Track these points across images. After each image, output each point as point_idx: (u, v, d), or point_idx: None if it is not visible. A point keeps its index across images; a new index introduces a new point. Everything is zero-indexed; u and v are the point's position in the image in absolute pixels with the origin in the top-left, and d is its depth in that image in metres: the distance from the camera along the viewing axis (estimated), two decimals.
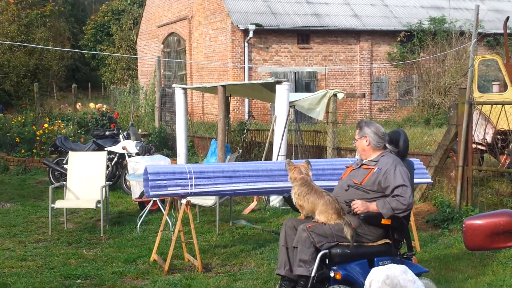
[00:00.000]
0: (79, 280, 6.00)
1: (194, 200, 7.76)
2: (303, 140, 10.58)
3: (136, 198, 9.24)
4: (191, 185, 6.32)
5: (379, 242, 4.78)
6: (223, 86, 10.44)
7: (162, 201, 8.45)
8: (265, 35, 21.57)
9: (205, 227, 8.31)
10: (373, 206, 4.68)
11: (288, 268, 4.75)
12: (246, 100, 21.24)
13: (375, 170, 4.80)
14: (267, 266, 6.41)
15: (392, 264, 4.16)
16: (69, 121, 15.73)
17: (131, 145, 11.14)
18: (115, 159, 11.28)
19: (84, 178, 8.56)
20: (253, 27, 20.67)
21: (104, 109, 16.42)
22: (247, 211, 9.35)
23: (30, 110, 16.15)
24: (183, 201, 6.36)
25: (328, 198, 4.69)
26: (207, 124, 19.03)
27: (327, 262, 4.61)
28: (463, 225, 3.44)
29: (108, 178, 9.96)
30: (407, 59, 21.93)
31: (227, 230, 8.16)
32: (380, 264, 4.67)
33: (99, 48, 36.96)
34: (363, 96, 20.17)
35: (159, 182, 6.19)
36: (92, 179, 8.51)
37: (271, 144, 10.06)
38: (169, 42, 26.68)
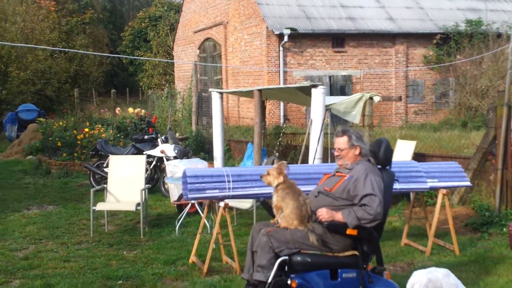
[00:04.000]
0: (120, 281, 6.14)
1: (232, 203, 7.87)
2: None
3: (174, 201, 9.41)
4: (229, 188, 6.41)
5: (346, 253, 4.56)
6: (259, 90, 10.53)
7: (200, 204, 8.58)
8: (299, 39, 21.59)
9: (242, 229, 8.40)
10: (338, 215, 4.49)
11: (251, 273, 4.61)
12: (282, 103, 21.29)
13: (346, 178, 4.67)
14: None
15: (434, 268, 4.04)
16: (109, 125, 16.04)
17: (169, 149, 11.32)
18: (154, 163, 11.48)
19: (124, 181, 8.75)
20: (288, 31, 20.71)
21: (142, 113, 16.70)
22: None
23: (71, 115, 16.52)
24: (221, 203, 6.45)
25: (299, 203, 4.54)
26: (242, 127, 19.16)
27: (286, 269, 4.45)
28: (510, 228, 3.42)
29: (147, 181, 10.15)
30: (443, 62, 21.68)
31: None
32: (343, 276, 4.47)
33: (137, 54, 37.52)
34: (400, 99, 19.99)
35: (197, 185, 6.29)
36: (131, 182, 8.69)
37: (307, 147, 10.09)
38: (205, 47, 26.94)
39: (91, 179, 11.82)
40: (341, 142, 4.81)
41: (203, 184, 6.36)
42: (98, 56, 27.06)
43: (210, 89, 12.48)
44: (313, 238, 4.41)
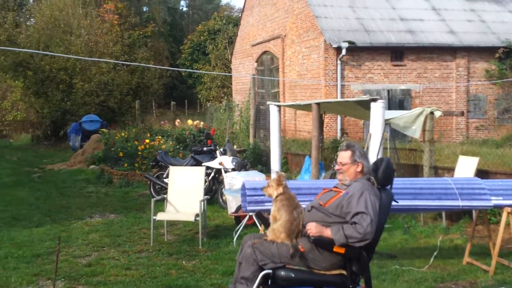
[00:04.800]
0: None
1: None
2: (399, 158, 10.47)
3: (232, 213, 9.51)
4: None
5: (333, 272, 4.39)
6: (318, 103, 10.56)
7: (258, 216, 8.62)
8: (358, 52, 21.47)
9: None
10: (327, 231, 4.34)
11: (236, 284, 4.56)
12: (339, 117, 21.19)
13: (342, 194, 4.53)
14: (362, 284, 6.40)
15: None
16: (169, 137, 16.36)
17: (227, 161, 11.45)
18: (212, 174, 11.63)
19: (183, 192, 8.89)
20: (346, 44, 20.63)
21: (201, 125, 16.96)
22: None
23: (132, 126, 16.94)
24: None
25: (292, 217, 4.42)
26: (299, 141, 19.17)
27: (269, 283, 4.37)
28: None
29: (205, 192, 10.29)
30: (506, 76, 21.11)
31: None
32: None
33: (196, 67, 38.14)
34: (462, 114, 19.60)
35: (256, 197, 6.36)
36: (191, 193, 8.83)
37: None
38: (262, 61, 27.13)
39: (151, 189, 12.06)
40: (344, 156, 4.68)
41: (262, 197, 6.40)
42: (158, 69, 27.64)
43: (268, 102, 12.58)
44: (292, 251, 4.32)
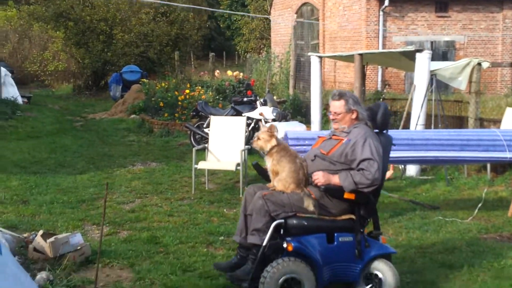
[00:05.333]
0: (222, 237, 6.28)
1: None
2: (444, 110, 10.25)
3: None
4: None
5: (343, 217, 4.47)
6: (360, 54, 10.35)
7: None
8: (401, 3, 20.92)
9: None
10: (335, 179, 4.39)
11: (244, 236, 4.57)
12: (380, 69, 20.83)
13: (344, 141, 4.51)
14: (405, 235, 6.37)
15: None
16: (208, 87, 16.34)
17: (268, 112, 11.40)
18: (252, 125, 11.61)
19: (224, 142, 8.91)
20: None
21: (241, 76, 16.86)
22: None
23: (172, 77, 16.95)
24: None
25: (296, 166, 4.44)
26: None
27: (281, 232, 4.38)
28: None
29: (246, 142, 10.28)
30: None
31: None
32: (340, 240, 4.39)
33: (234, 19, 37.79)
34: (511, 65, 19.04)
35: (298, 147, 6.33)
36: (231, 142, 8.84)
37: (408, 113, 9.86)
38: (302, 12, 26.66)
39: (191, 138, 12.13)
40: (337, 105, 4.63)
41: (304, 147, 6.39)
42: (197, 20, 27.44)
43: (309, 53, 12.40)
44: (308, 203, 4.35)
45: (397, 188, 8.77)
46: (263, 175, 4.81)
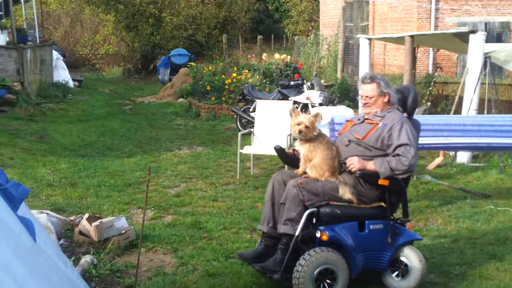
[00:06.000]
0: None
1: None
2: (498, 94, 9.89)
3: None
4: None
5: (373, 205, 4.37)
6: (411, 36, 10.06)
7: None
8: None
9: None
10: (370, 165, 4.28)
11: (271, 225, 4.45)
12: (431, 51, 20.29)
13: (379, 126, 4.39)
14: (455, 224, 6.17)
15: None
16: (255, 71, 16.24)
17: (315, 96, 11.24)
18: (299, 109, 11.47)
19: (270, 126, 8.82)
20: None
21: (288, 59, 16.68)
22: (432, 166, 9.03)
23: (219, 60, 16.93)
24: None
25: (332, 153, 4.33)
26: (388, 75, 18.56)
27: (313, 221, 4.25)
28: None
29: None
30: None
31: (411, 184, 7.92)
32: (371, 228, 4.28)
33: (283, 0, 37.46)
34: None
35: None
36: (277, 127, 8.74)
37: (461, 97, 9.55)
38: None
39: (238, 123, 12.09)
40: (369, 89, 4.53)
41: None
42: (246, 2, 27.30)
43: (358, 35, 12.14)
44: (344, 190, 4.24)
45: (447, 175, 8.52)
46: (286, 160, 4.70)
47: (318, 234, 4.19)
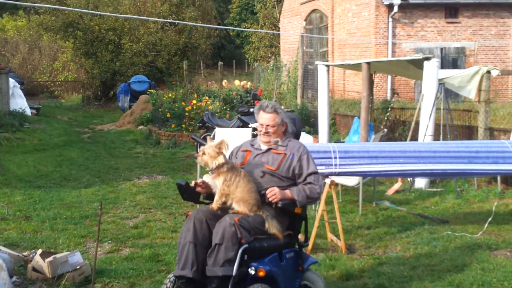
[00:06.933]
0: None
1: (337, 179, 7.71)
2: (452, 119, 10.09)
3: None
4: (335, 165, 6.28)
5: (285, 234, 4.32)
6: (368, 63, 10.22)
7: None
8: (410, 9, 20.73)
9: (347, 207, 8.23)
10: (288, 194, 4.28)
11: (195, 269, 4.03)
12: (389, 77, 20.65)
13: (288, 156, 4.39)
14: (413, 251, 6.21)
15: None
16: (216, 97, 16.26)
17: None
18: None
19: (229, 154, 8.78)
20: (398, 1, 19.93)
21: (248, 86, 16.75)
22: (391, 192, 9.13)
23: (180, 87, 16.89)
24: (327, 180, 6.32)
25: (253, 185, 4.20)
26: (348, 101, 18.79)
27: (245, 257, 4.03)
28: None
29: None
30: None
31: (370, 210, 8.01)
32: (287, 256, 4.28)
33: (244, 26, 37.78)
34: None
35: None
36: None
37: (417, 123, 9.71)
38: (311, 19, 26.56)
39: (198, 150, 12.02)
40: (271, 118, 4.47)
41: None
42: (206, 29, 27.45)
43: (316, 62, 12.28)
44: (271, 225, 4.18)
45: (406, 201, 8.61)
46: (189, 196, 4.42)
47: (252, 271, 4.02)
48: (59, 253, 5.52)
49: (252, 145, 4.62)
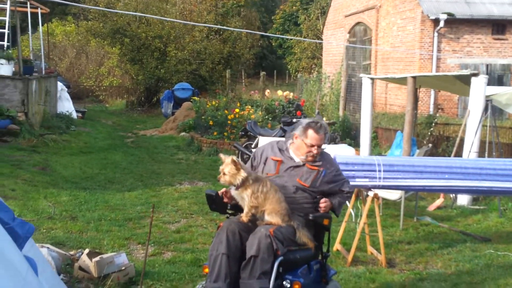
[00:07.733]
0: None
1: (380, 193, 7.68)
2: (498, 136, 9.95)
3: None
4: (379, 178, 6.27)
5: (311, 245, 4.28)
6: (414, 77, 10.16)
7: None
8: (456, 25, 20.50)
9: (388, 220, 8.19)
10: (331, 206, 4.41)
11: (229, 282, 3.96)
12: (433, 92, 20.44)
13: (320, 172, 4.37)
14: (455, 268, 6.16)
15: None
16: (258, 107, 16.36)
17: None
18: None
19: None
20: (444, 16, 19.74)
21: (291, 96, 16.82)
22: (432, 207, 9.05)
23: (222, 95, 17.06)
24: (370, 193, 6.32)
25: (282, 195, 4.16)
26: (389, 115, 18.67)
27: (280, 270, 3.98)
28: None
29: None
30: None
31: (411, 226, 7.96)
32: (314, 268, 4.24)
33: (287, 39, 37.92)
34: None
35: (347, 172, 6.20)
36: None
37: (462, 139, 9.61)
38: (355, 32, 26.49)
39: (239, 158, 12.10)
40: (321, 139, 4.41)
41: (353, 172, 6.28)
42: (250, 39, 27.65)
43: (361, 74, 12.26)
44: (301, 234, 4.16)
45: (447, 218, 8.52)
46: (217, 207, 4.41)
47: (287, 285, 3.98)
48: (104, 254, 5.67)
49: (280, 150, 4.50)
